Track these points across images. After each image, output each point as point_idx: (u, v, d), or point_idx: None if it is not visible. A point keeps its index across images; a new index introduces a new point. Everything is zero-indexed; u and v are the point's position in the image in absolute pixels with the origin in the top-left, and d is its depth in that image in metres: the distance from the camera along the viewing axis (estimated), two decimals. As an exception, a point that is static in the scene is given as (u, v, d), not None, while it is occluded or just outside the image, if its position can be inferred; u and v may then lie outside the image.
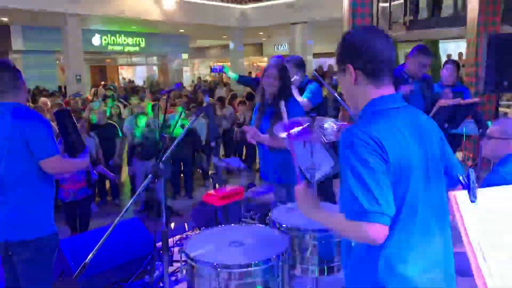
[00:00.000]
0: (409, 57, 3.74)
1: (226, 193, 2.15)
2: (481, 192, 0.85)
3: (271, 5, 17.02)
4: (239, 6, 17.96)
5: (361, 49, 1.41)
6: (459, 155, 6.32)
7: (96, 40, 18.58)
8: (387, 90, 1.43)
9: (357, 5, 6.05)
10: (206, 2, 16.78)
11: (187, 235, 4.42)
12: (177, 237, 4.18)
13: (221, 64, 5.88)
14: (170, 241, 3.99)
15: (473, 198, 0.83)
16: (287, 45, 21.76)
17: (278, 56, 4.84)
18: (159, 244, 3.95)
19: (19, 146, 2.27)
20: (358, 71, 1.41)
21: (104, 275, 3.22)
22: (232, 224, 2.20)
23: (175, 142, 1.91)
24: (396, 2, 10.40)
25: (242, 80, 4.87)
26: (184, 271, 1.80)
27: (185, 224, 4.53)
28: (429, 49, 3.92)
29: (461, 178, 0.91)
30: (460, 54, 14.40)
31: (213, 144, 2.98)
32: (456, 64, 5.04)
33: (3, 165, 2.30)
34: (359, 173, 1.27)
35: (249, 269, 1.71)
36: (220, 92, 14.43)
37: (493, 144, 2.37)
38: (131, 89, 15.52)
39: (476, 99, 4.16)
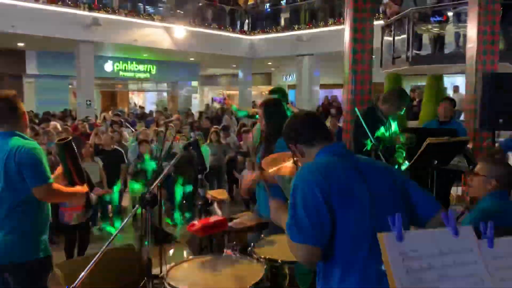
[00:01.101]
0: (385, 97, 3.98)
1: (210, 223, 2.24)
2: (409, 234, 0.95)
3: (279, 37, 17.42)
4: (248, 37, 18.39)
5: (290, 130, 1.82)
6: (459, 190, 6.34)
7: (108, 66, 19.05)
8: (326, 143, 1.72)
9: (357, 42, 6.23)
10: (216, 32, 17.22)
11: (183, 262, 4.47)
12: (173, 263, 4.22)
13: (221, 96, 6.01)
14: (167, 267, 4.08)
15: (401, 238, 0.92)
16: (295, 75, 22.12)
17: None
18: (155, 271, 4.02)
19: (14, 173, 2.35)
20: (297, 145, 1.78)
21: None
22: (216, 254, 2.29)
23: (164, 171, 2.01)
24: (399, 37, 10.65)
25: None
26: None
27: (184, 251, 4.59)
28: (405, 92, 4.23)
29: (389, 219, 1.00)
30: (456, 88, 14.53)
31: (200, 176, 3.09)
32: (452, 101, 5.16)
33: None
34: (300, 205, 1.50)
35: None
36: (228, 120, 14.62)
37: (478, 181, 2.44)
38: (142, 115, 15.79)
39: (465, 137, 4.24)
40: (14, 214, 2.38)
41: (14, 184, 2.36)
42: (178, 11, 16.42)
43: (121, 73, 19.95)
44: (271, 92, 4.12)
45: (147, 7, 15.46)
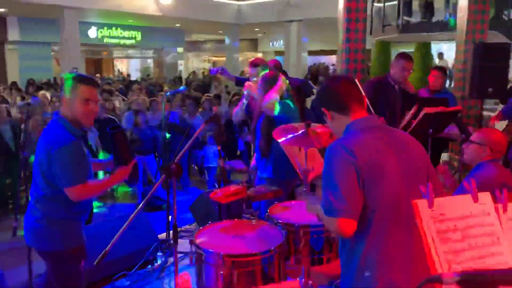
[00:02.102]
0: (392, 63, 4.01)
1: (231, 191, 2.39)
2: (439, 200, 1.10)
3: (267, 2, 17.20)
4: (235, 2, 18.12)
5: (327, 94, 1.83)
6: (446, 156, 6.61)
7: (92, 32, 18.65)
8: (358, 115, 1.75)
9: (351, 11, 6.26)
10: (203, -3, 16.93)
11: (186, 228, 4.66)
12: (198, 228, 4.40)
13: (219, 67, 6.00)
14: (171, 233, 4.26)
15: (430, 203, 1.08)
16: (282, 41, 21.97)
17: (275, 60, 5.09)
18: (160, 235, 4.20)
19: (46, 167, 2.27)
20: (330, 110, 1.79)
21: (110, 265, 3.44)
22: (235, 220, 2.45)
23: (187, 144, 2.13)
24: (389, 3, 10.68)
25: (239, 82, 5.09)
26: (194, 260, 2.05)
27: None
28: (409, 55, 4.21)
29: (422, 187, 1.15)
30: (441, 55, 14.70)
31: (218, 148, 3.22)
32: (443, 70, 5.31)
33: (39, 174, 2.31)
34: (334, 181, 1.59)
35: (250, 258, 1.96)
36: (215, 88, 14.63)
37: (472, 149, 2.62)
38: (129, 83, 15.65)
39: (458, 107, 4.43)
40: (45, 201, 2.32)
41: (47, 176, 2.27)
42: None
43: (105, 39, 19.55)
44: (254, 65, 4.11)
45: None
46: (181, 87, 5.14)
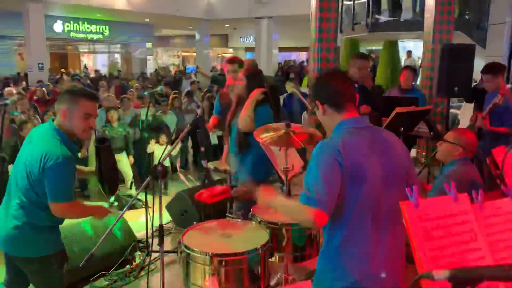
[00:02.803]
0: (349, 63, 4.11)
1: (217, 192, 2.43)
2: (423, 201, 1.19)
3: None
4: (206, -3, 18.05)
5: (323, 88, 1.83)
6: (414, 152, 6.85)
7: (58, 26, 18.15)
8: (351, 114, 1.79)
9: (323, 10, 6.37)
10: (173, -7, 16.75)
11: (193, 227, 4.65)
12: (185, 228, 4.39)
13: (195, 66, 5.97)
14: (144, 233, 4.27)
15: (417, 205, 1.16)
16: (252, 37, 22.01)
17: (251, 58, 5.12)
18: (138, 234, 4.19)
19: (36, 177, 2.20)
20: (324, 104, 1.81)
21: (89, 265, 3.42)
22: (221, 219, 2.49)
23: (173, 146, 2.15)
24: (359, 2, 10.91)
25: (219, 80, 5.10)
26: (181, 260, 2.08)
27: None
28: (365, 54, 4.34)
29: (408, 190, 1.24)
30: (409, 53, 15.15)
31: (202, 149, 3.25)
32: (413, 70, 5.51)
33: (19, 178, 2.25)
34: (318, 174, 1.66)
35: (238, 258, 2.02)
36: (187, 85, 14.52)
37: (446, 147, 2.75)
38: (97, 79, 15.33)
39: (429, 107, 4.61)
40: (29, 207, 2.24)
41: (35, 184, 2.20)
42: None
43: (72, 34, 19.09)
44: (231, 61, 4.15)
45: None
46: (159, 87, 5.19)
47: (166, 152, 2.30)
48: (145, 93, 6.63)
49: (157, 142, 7.25)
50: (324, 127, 1.88)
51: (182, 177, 7.93)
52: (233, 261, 2.02)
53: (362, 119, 1.80)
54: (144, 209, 4.30)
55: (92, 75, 19.66)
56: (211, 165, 2.84)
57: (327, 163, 1.66)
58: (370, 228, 1.69)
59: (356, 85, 4.09)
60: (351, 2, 11.07)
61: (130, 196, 6.89)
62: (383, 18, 10.33)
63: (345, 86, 1.82)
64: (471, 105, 6.01)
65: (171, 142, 7.46)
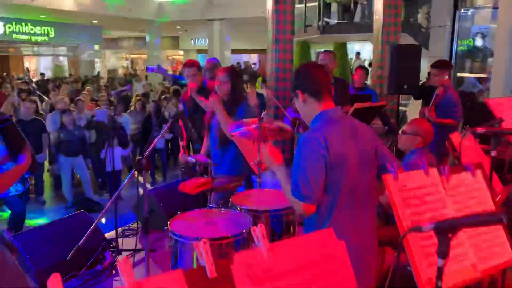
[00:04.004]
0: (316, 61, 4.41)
1: (199, 183, 2.53)
2: (401, 174, 1.37)
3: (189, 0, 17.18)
4: (156, -1, 17.86)
5: (304, 78, 1.97)
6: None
7: (-1, 28, 17.34)
8: (328, 105, 1.94)
9: (279, 12, 6.60)
10: (122, -6, 16.47)
11: (129, 227, 4.67)
12: (120, 229, 4.40)
13: (155, 65, 5.93)
14: (113, 233, 4.27)
15: (396, 177, 1.34)
16: (204, 39, 22.00)
17: (214, 59, 5.23)
18: (107, 234, 4.18)
19: None
20: (305, 94, 1.95)
21: (59, 266, 3.40)
22: (204, 209, 2.60)
23: (157, 138, 2.22)
24: (310, 4, 11.27)
25: (181, 81, 5.15)
26: (169, 246, 2.17)
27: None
28: (328, 50, 4.64)
29: (389, 165, 1.42)
30: (358, 54, 15.84)
31: (183, 143, 3.33)
32: (365, 69, 5.84)
33: None
34: (303, 167, 1.82)
35: (225, 241, 2.13)
36: (139, 87, 14.33)
37: (406, 138, 3.01)
38: (44, 82, 14.78)
39: (383, 102, 4.92)
40: None
41: None
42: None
43: (14, 35, 18.25)
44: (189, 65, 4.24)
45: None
46: (128, 86, 5.13)
47: (150, 146, 2.37)
48: (113, 93, 6.52)
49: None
50: (302, 115, 2.03)
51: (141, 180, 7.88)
52: (221, 244, 2.14)
53: (338, 109, 1.97)
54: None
55: (36, 78, 18.89)
56: (191, 158, 2.93)
57: (312, 157, 1.81)
58: (351, 208, 1.87)
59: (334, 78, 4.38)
60: (303, 6, 11.41)
61: (89, 200, 6.77)
62: (334, 21, 10.75)
63: (324, 78, 1.97)
64: (418, 102, 6.44)
65: (126, 145, 7.46)
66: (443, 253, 1.01)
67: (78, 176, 7.06)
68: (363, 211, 1.90)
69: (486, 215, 1.00)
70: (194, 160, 2.83)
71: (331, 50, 4.83)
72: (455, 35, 8.39)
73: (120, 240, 4.16)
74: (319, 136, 1.83)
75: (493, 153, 1.85)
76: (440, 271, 1.03)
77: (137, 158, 2.28)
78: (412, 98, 7.40)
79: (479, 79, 8.32)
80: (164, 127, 2.55)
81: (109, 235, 4.23)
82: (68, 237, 3.58)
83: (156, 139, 2.30)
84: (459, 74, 8.47)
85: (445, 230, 1.01)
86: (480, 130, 1.88)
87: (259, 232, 0.93)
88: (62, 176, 6.79)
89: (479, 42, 8.45)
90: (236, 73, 3.30)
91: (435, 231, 1.02)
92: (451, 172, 1.44)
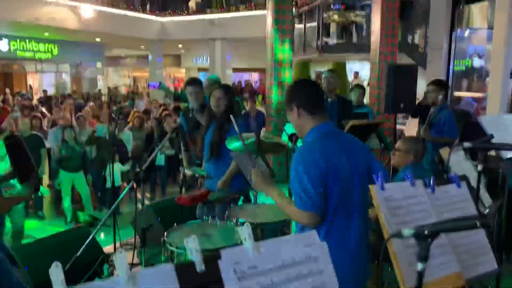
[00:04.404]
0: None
1: (195, 195, 2.59)
2: (387, 185, 1.43)
3: (191, 20, 17.46)
4: (158, 18, 18.13)
5: (300, 93, 2.04)
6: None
7: (3, 45, 17.56)
8: (322, 119, 2.01)
9: (278, 32, 6.75)
10: (125, 13, 16.74)
11: (127, 241, 4.70)
12: (118, 243, 4.44)
13: (157, 82, 6.06)
14: (112, 247, 4.30)
15: (383, 188, 1.40)
16: (205, 57, 22.26)
17: (215, 77, 5.34)
18: (105, 248, 4.22)
19: None
20: (299, 108, 2.02)
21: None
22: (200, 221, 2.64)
23: (155, 151, 2.30)
24: (310, 25, 11.48)
25: (178, 97, 5.24)
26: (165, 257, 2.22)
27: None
28: (332, 70, 4.77)
29: (373, 176, 1.48)
30: (356, 74, 16.02)
31: (181, 156, 3.39)
32: (363, 88, 5.94)
33: None
34: (304, 178, 1.88)
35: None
36: (141, 103, 14.48)
37: (398, 155, 3.08)
38: (47, 99, 14.94)
39: (380, 120, 5.01)
40: None
41: None
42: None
43: (18, 52, 18.49)
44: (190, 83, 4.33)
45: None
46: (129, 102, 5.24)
47: (149, 159, 2.43)
48: (114, 109, 6.61)
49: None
50: (295, 129, 2.11)
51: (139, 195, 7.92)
52: (216, 256, 2.17)
53: (330, 123, 2.05)
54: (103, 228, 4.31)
55: (39, 95, 19.05)
56: (189, 171, 3.00)
57: (311, 168, 1.87)
58: (344, 218, 1.93)
59: (332, 98, 4.49)
60: (302, 26, 11.63)
61: (89, 215, 6.80)
62: (333, 40, 10.93)
63: (318, 93, 2.06)
64: (416, 121, 6.53)
65: (127, 161, 7.52)
66: (423, 257, 1.07)
67: (78, 191, 7.10)
68: (356, 223, 1.96)
69: (463, 220, 1.06)
70: (191, 173, 2.89)
71: (333, 69, 4.97)
72: (452, 56, 8.53)
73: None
74: (316, 148, 1.90)
75: (480, 167, 1.91)
76: (420, 275, 1.08)
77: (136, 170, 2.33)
78: (409, 117, 7.49)
79: (476, 98, 8.44)
80: (164, 140, 2.61)
81: (108, 249, 4.27)
82: (67, 250, 3.62)
83: (155, 152, 2.36)
84: (456, 94, 8.59)
85: (425, 235, 1.07)
86: (466, 144, 1.95)
87: (245, 231, 0.99)
88: (62, 191, 6.84)
89: (476, 62, 8.60)
90: (231, 91, 3.40)
91: (415, 236, 1.08)
92: (437, 183, 1.50)
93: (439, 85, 4.59)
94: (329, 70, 4.62)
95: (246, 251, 0.95)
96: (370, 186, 1.42)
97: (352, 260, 1.94)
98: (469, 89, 8.83)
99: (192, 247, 0.97)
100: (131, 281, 0.86)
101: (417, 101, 6.47)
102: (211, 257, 0.95)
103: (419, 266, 1.08)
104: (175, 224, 2.52)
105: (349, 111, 4.43)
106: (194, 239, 0.98)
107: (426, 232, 1.06)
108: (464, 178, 1.57)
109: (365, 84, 14.87)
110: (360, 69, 17.49)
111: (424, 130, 4.28)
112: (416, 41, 9.93)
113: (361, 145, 2.11)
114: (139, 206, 4.89)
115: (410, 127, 7.30)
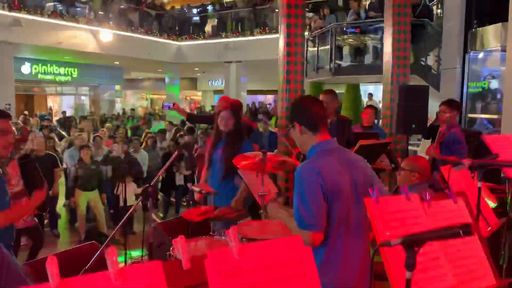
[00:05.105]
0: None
1: (201, 211, 2.63)
2: (382, 198, 1.46)
3: (207, 43, 17.84)
4: (175, 42, 18.56)
5: (302, 111, 2.08)
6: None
7: (25, 68, 18.14)
8: (324, 137, 2.05)
9: (290, 54, 6.85)
10: (143, 37, 17.19)
11: (137, 259, 4.75)
12: (129, 261, 4.49)
13: (171, 103, 6.21)
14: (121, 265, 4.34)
15: (377, 201, 1.43)
16: (221, 80, 22.61)
17: (226, 97, 5.46)
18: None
19: None
20: (302, 126, 2.06)
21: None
22: (206, 237, 2.68)
23: (163, 169, 2.35)
24: (322, 48, 11.62)
25: (194, 119, 5.36)
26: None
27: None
28: (334, 92, 4.78)
29: (371, 190, 1.51)
30: (370, 95, 16.04)
31: (188, 173, 3.45)
32: (375, 109, 5.97)
33: None
34: (305, 199, 1.91)
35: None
36: (158, 126, 14.69)
37: (403, 175, 3.08)
38: (65, 120, 15.30)
39: (388, 140, 5.02)
40: None
41: None
42: (102, 12, 16.17)
43: (39, 75, 19.07)
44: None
45: (72, 8, 15.06)
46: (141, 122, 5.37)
47: (155, 178, 2.50)
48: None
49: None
50: (298, 145, 2.15)
51: (154, 216, 7.99)
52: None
53: (333, 140, 2.08)
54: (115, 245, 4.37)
55: (58, 116, 19.50)
56: (196, 188, 3.05)
57: (311, 187, 1.90)
58: (345, 237, 1.94)
59: (331, 118, 4.51)
60: (315, 49, 11.78)
61: (102, 234, 6.87)
62: (345, 63, 11.03)
63: (320, 111, 2.09)
64: (429, 142, 6.51)
65: (142, 181, 7.63)
66: (410, 266, 1.09)
67: (93, 210, 7.20)
68: (358, 240, 1.97)
69: (448, 229, 1.08)
70: (198, 189, 2.94)
71: (331, 89, 4.95)
72: (465, 77, 8.52)
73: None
74: (315, 167, 1.93)
75: (479, 184, 1.92)
76: (408, 283, 1.10)
77: (145, 186, 2.39)
78: (422, 138, 7.46)
79: (490, 120, 8.37)
80: (168, 161, 2.67)
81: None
82: (79, 266, 3.68)
83: (162, 170, 2.42)
84: (470, 115, 8.54)
85: (412, 243, 1.09)
86: (466, 162, 1.96)
87: (231, 233, 1.04)
88: (77, 210, 6.95)
89: (491, 84, 8.57)
90: (238, 111, 3.48)
91: (402, 245, 1.10)
92: (433, 198, 1.52)
93: (449, 104, 4.61)
94: (325, 90, 4.63)
95: (231, 252, 0.99)
96: (365, 199, 1.45)
97: (355, 276, 1.95)
98: (484, 111, 8.77)
99: (179, 246, 1.02)
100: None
101: (429, 122, 6.47)
102: (198, 256, 0.98)
103: (407, 274, 1.11)
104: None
105: (349, 129, 4.44)
106: (181, 239, 1.03)
107: (413, 240, 1.09)
108: (462, 194, 1.59)
109: (380, 106, 14.90)
110: (374, 91, 17.53)
111: (434, 148, 4.28)
112: (429, 63, 9.95)
113: (363, 163, 2.13)
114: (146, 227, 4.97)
115: (424, 148, 7.26)
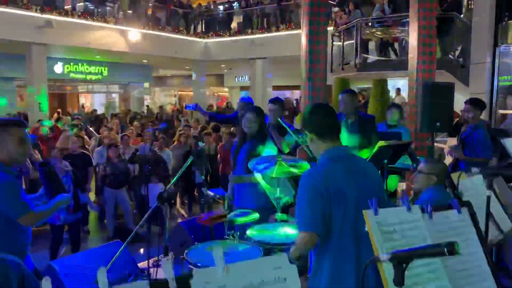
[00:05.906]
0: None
1: (215, 215, 2.70)
2: (382, 210, 1.47)
3: (233, 40, 17.92)
4: (202, 40, 18.73)
5: (311, 120, 2.14)
6: (404, 185, 7.12)
7: (58, 68, 18.70)
8: (333, 144, 2.08)
9: (313, 52, 6.83)
10: (171, 35, 17.43)
11: (161, 257, 4.86)
12: (151, 260, 4.61)
13: (194, 103, 6.32)
14: (144, 263, 4.47)
15: (377, 213, 1.44)
16: (247, 76, 22.66)
17: (249, 99, 5.51)
18: (140, 264, 4.40)
19: None
20: (311, 134, 2.11)
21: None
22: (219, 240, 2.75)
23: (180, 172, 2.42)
24: (348, 43, 11.48)
25: (217, 119, 5.45)
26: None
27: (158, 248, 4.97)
28: (350, 90, 4.72)
29: (369, 201, 1.52)
30: (398, 90, 15.71)
31: (203, 177, 3.54)
32: (399, 107, 5.88)
33: None
34: (303, 203, 1.97)
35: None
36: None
37: (421, 178, 3.05)
38: (95, 118, 15.71)
39: (409, 141, 4.95)
40: None
41: None
42: (130, 11, 16.48)
43: (71, 74, 19.63)
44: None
45: (102, 7, 15.44)
46: (162, 124, 5.51)
47: (173, 180, 2.57)
48: (150, 129, 6.91)
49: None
50: (313, 152, 2.19)
51: (182, 211, 8.15)
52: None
53: (343, 148, 2.11)
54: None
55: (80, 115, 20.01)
56: (210, 193, 3.12)
57: (310, 192, 1.96)
58: (352, 243, 1.96)
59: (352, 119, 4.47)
60: (340, 43, 11.65)
61: (129, 231, 7.05)
62: (371, 58, 10.87)
63: (329, 119, 2.13)
64: (455, 140, 6.36)
65: (166, 179, 7.76)
66: (398, 282, 1.11)
67: (120, 208, 7.40)
68: (366, 248, 1.98)
69: (433, 247, 1.09)
70: (212, 194, 3.01)
71: (351, 89, 4.87)
72: (496, 72, 8.27)
73: (153, 269, 4.36)
74: (317, 173, 1.97)
75: (488, 193, 1.90)
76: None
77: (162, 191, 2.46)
78: (448, 136, 7.30)
79: (523, 116, 8.10)
80: (187, 163, 2.74)
81: (143, 264, 4.43)
82: (103, 264, 3.82)
83: (179, 173, 2.50)
84: (500, 111, 8.29)
85: (400, 260, 1.11)
86: (474, 170, 1.94)
87: (217, 253, 1.08)
88: (106, 207, 7.16)
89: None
90: (262, 113, 3.52)
91: (391, 261, 1.12)
92: (436, 209, 1.52)
93: (473, 103, 4.51)
94: (344, 91, 4.57)
95: (216, 271, 1.04)
96: (363, 211, 1.46)
97: (359, 285, 1.95)
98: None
99: (166, 266, 1.07)
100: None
101: (455, 120, 6.33)
102: (184, 276, 1.03)
103: (398, 291, 1.12)
104: (196, 243, 2.63)
105: (372, 127, 4.38)
106: (168, 259, 1.08)
107: (401, 257, 1.11)
108: (466, 203, 1.58)
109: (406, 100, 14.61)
110: (402, 86, 17.19)
111: (457, 148, 4.19)
112: (458, 57, 9.69)
113: (375, 172, 2.15)
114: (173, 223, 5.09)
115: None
